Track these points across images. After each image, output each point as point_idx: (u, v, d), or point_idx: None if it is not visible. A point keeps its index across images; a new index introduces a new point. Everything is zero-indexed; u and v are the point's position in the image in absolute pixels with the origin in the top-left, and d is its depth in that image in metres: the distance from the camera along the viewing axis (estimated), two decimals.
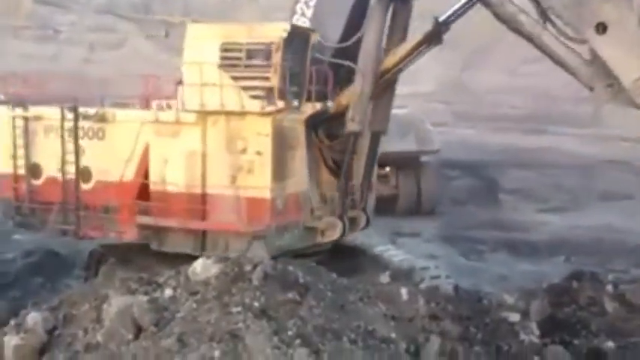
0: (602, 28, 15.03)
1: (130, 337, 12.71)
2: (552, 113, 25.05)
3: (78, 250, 20.71)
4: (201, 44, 16.76)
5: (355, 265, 18.21)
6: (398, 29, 17.94)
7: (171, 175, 17.11)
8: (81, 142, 17.83)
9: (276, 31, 16.49)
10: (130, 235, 17.41)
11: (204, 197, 16.97)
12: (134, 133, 17.33)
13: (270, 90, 16.29)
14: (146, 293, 14.01)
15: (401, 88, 19.06)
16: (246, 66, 16.45)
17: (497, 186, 37.04)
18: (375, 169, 19.57)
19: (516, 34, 16.72)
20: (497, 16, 16.48)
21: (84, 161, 17.84)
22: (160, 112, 17.36)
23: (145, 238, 17.39)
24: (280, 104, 16.38)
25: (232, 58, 16.51)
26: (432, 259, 22.23)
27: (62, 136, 17.89)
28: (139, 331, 12.80)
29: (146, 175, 17.37)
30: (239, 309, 12.70)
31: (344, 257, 18.11)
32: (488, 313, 15.38)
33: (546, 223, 30.88)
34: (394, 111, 20.21)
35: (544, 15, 15.81)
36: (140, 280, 14.72)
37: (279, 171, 16.82)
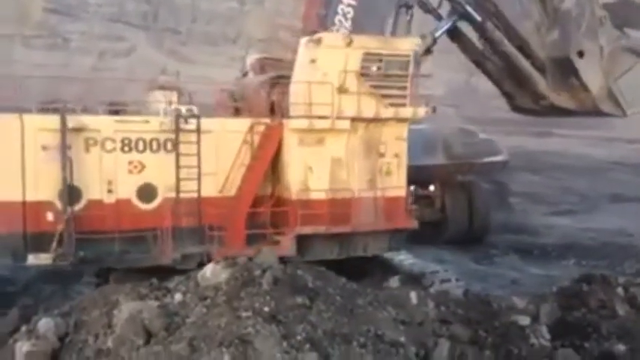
0: (580, 53, 21.38)
1: (141, 342, 12.73)
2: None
3: None
4: (341, 53, 17.35)
5: (364, 269, 18.21)
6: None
7: (316, 182, 17.41)
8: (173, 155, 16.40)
9: (409, 44, 18.25)
10: (287, 248, 16.90)
11: (348, 201, 17.55)
12: (237, 142, 17.19)
13: (406, 97, 18.01)
14: (156, 299, 14.07)
15: None
16: (386, 75, 17.74)
17: (507, 189, 36.94)
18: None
19: (478, 62, 22.78)
20: (486, 40, 22.11)
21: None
22: (314, 121, 17.26)
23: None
24: (423, 111, 18.25)
25: (372, 68, 17.60)
26: (443, 264, 22.15)
27: (177, 150, 16.37)
28: (149, 336, 12.83)
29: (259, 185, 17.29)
30: (249, 313, 12.71)
31: (353, 261, 18.11)
32: (498, 317, 15.35)
33: (556, 226, 30.77)
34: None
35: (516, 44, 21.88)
36: (150, 286, 14.78)
37: None
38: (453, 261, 24.14)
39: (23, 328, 14.21)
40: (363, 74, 17.55)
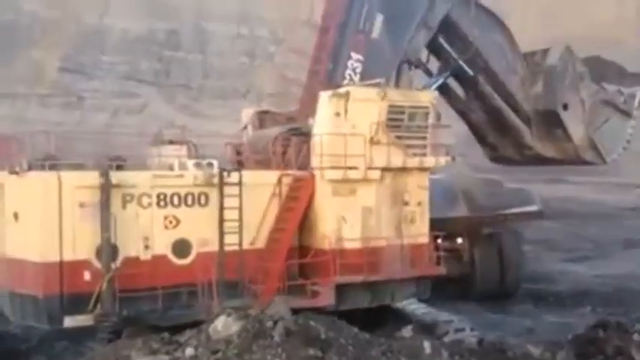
0: (565, 106, 23.18)
1: None
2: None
3: None
4: (368, 106, 17.98)
5: (377, 319, 18.10)
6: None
7: (349, 232, 17.75)
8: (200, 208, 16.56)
9: (429, 97, 19.12)
10: (328, 299, 17.13)
11: (379, 250, 17.96)
12: (266, 194, 17.40)
13: (426, 147, 18.83)
14: (167, 353, 14.00)
15: None
16: (409, 126, 18.44)
17: (520, 237, 36.59)
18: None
19: (463, 113, 24.30)
20: (477, 94, 23.61)
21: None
22: (349, 171, 17.76)
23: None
24: (444, 160, 19.17)
25: (397, 120, 18.29)
26: (456, 313, 21.90)
27: (220, 205, 16.50)
28: None
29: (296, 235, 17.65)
30: None
31: (365, 311, 18.02)
32: None
33: (571, 273, 30.48)
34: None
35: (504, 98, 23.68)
36: (162, 340, 14.70)
37: None
38: (467, 310, 23.84)
39: None
40: (389, 125, 18.07)
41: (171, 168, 17.11)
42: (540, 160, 24.91)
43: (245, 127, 21.06)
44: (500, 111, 23.71)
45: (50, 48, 59.84)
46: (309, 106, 19.81)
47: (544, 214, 28.59)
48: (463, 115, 24.55)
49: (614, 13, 59.11)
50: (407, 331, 17.74)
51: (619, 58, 26.52)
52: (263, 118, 20.95)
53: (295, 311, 14.99)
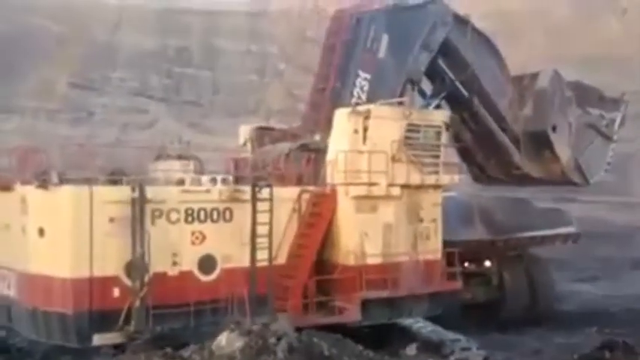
0: (554, 128, 24.08)
1: None
2: None
3: None
4: (388, 124, 18.37)
5: (381, 337, 17.99)
6: None
7: (371, 248, 18.03)
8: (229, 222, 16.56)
9: (441, 116, 19.82)
10: (354, 315, 17.41)
11: (399, 265, 18.32)
12: (287, 210, 17.48)
13: (439, 165, 19.25)
14: None
15: None
16: (424, 145, 18.93)
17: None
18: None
19: (455, 134, 23.09)
20: (471, 115, 24.09)
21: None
22: (372, 188, 18.02)
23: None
24: (457, 178, 19.75)
25: (413, 138, 18.79)
26: (464, 332, 21.67)
27: (254, 219, 16.51)
28: None
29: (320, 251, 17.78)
30: None
31: (370, 329, 17.93)
32: None
33: (579, 293, 30.28)
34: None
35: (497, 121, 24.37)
36: (165, 356, 14.64)
37: None
38: (475, 329, 23.62)
39: None
40: (407, 144, 18.44)
41: (181, 183, 17.03)
42: (526, 180, 25.58)
43: (245, 144, 21.16)
44: (491, 131, 24.42)
45: (60, 63, 60.21)
46: (313, 122, 19.92)
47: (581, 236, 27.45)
48: (455, 135, 24.67)
49: (621, 30, 59.04)
50: (411, 350, 17.64)
51: (626, 75, 26.94)
52: (262, 135, 21.12)
53: (298, 329, 14.89)
